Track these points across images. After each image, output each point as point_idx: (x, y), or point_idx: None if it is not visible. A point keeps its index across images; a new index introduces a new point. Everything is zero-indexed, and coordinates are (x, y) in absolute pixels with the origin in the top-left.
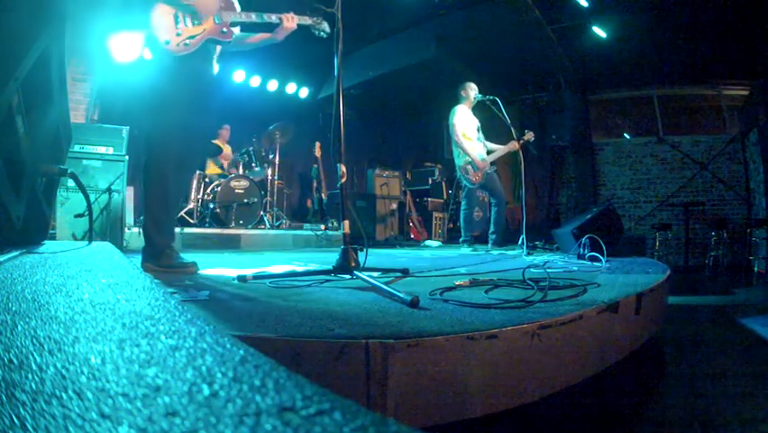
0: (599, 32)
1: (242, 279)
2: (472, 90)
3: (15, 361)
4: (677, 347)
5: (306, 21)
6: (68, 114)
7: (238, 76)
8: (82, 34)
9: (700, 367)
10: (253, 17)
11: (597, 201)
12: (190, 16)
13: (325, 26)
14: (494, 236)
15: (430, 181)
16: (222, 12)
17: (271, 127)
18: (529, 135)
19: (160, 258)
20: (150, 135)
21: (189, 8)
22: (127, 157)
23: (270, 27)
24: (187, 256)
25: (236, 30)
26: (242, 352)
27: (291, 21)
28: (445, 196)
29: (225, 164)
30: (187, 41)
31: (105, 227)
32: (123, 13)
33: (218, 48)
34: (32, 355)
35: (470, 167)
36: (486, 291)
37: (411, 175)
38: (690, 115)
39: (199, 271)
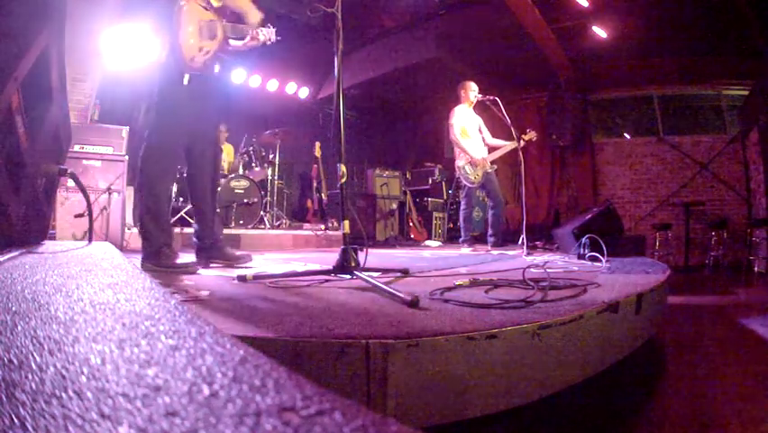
0: (599, 32)
1: (241, 279)
2: (471, 89)
3: (15, 361)
4: (677, 347)
5: (262, 33)
6: (68, 114)
7: (238, 76)
8: (82, 34)
9: (700, 367)
10: (237, 30)
11: (597, 201)
12: (209, 29)
13: (272, 35)
14: (493, 237)
15: (430, 181)
16: (226, 25)
17: (268, 132)
18: (532, 134)
19: (159, 258)
20: (150, 137)
21: (212, 20)
22: (127, 157)
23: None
24: (188, 257)
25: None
26: (241, 352)
27: (257, 35)
28: (445, 196)
29: (227, 165)
30: (206, 59)
31: (104, 227)
32: (134, 9)
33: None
34: (32, 355)
35: (468, 167)
36: (486, 291)
37: (411, 175)
38: (690, 115)
39: (199, 272)
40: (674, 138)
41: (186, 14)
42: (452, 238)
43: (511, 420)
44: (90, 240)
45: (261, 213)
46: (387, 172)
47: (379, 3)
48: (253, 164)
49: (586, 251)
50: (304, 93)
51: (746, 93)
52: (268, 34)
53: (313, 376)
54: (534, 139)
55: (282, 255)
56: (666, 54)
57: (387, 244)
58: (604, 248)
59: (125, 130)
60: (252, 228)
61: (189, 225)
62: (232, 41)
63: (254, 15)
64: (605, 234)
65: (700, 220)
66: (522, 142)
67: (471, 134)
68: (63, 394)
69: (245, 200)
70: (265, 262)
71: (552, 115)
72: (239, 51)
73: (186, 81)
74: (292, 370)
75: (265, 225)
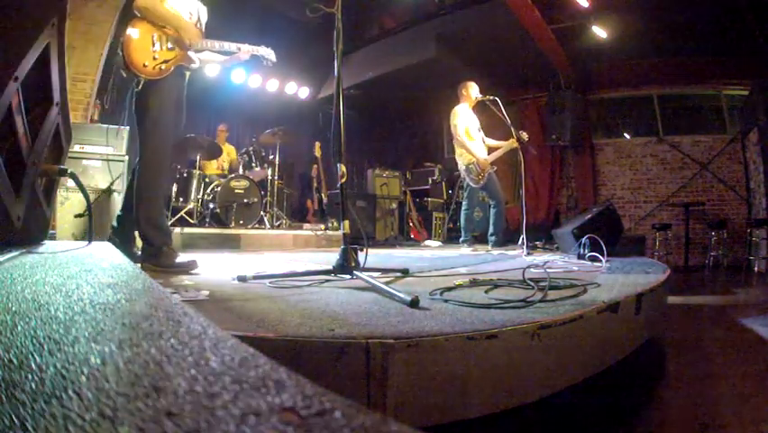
0: (599, 32)
1: (242, 279)
2: (473, 89)
3: (15, 361)
4: (677, 347)
5: (257, 51)
6: (68, 114)
7: (238, 76)
8: (83, 33)
9: (700, 367)
10: (216, 46)
11: (597, 201)
12: (168, 41)
13: (272, 56)
14: (494, 237)
15: (430, 181)
16: (190, 39)
17: (268, 131)
18: (524, 135)
19: (159, 258)
20: (143, 141)
21: (171, 35)
22: (127, 157)
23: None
24: (188, 256)
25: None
26: (242, 352)
27: (246, 53)
28: (445, 196)
29: (227, 165)
30: (163, 66)
31: (104, 227)
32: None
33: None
34: (32, 355)
35: (473, 167)
36: (486, 291)
37: (411, 175)
38: (690, 115)
39: (199, 271)
40: (674, 138)
41: (139, 21)
42: (452, 238)
43: (511, 420)
44: (90, 240)
45: (261, 213)
46: (387, 172)
47: (379, 3)
48: (253, 164)
49: (586, 251)
50: (304, 93)
51: (746, 93)
52: (266, 54)
53: (313, 376)
54: (527, 139)
55: (282, 255)
56: (666, 54)
57: (387, 244)
58: (604, 248)
59: (125, 130)
60: (252, 228)
61: (189, 224)
62: (209, 55)
63: (188, 36)
64: (605, 234)
65: (700, 220)
66: (519, 141)
67: (474, 135)
68: (63, 394)
69: (245, 200)
70: (265, 262)
71: (552, 115)
72: (223, 64)
73: (139, 87)
74: (292, 370)
75: (265, 225)
